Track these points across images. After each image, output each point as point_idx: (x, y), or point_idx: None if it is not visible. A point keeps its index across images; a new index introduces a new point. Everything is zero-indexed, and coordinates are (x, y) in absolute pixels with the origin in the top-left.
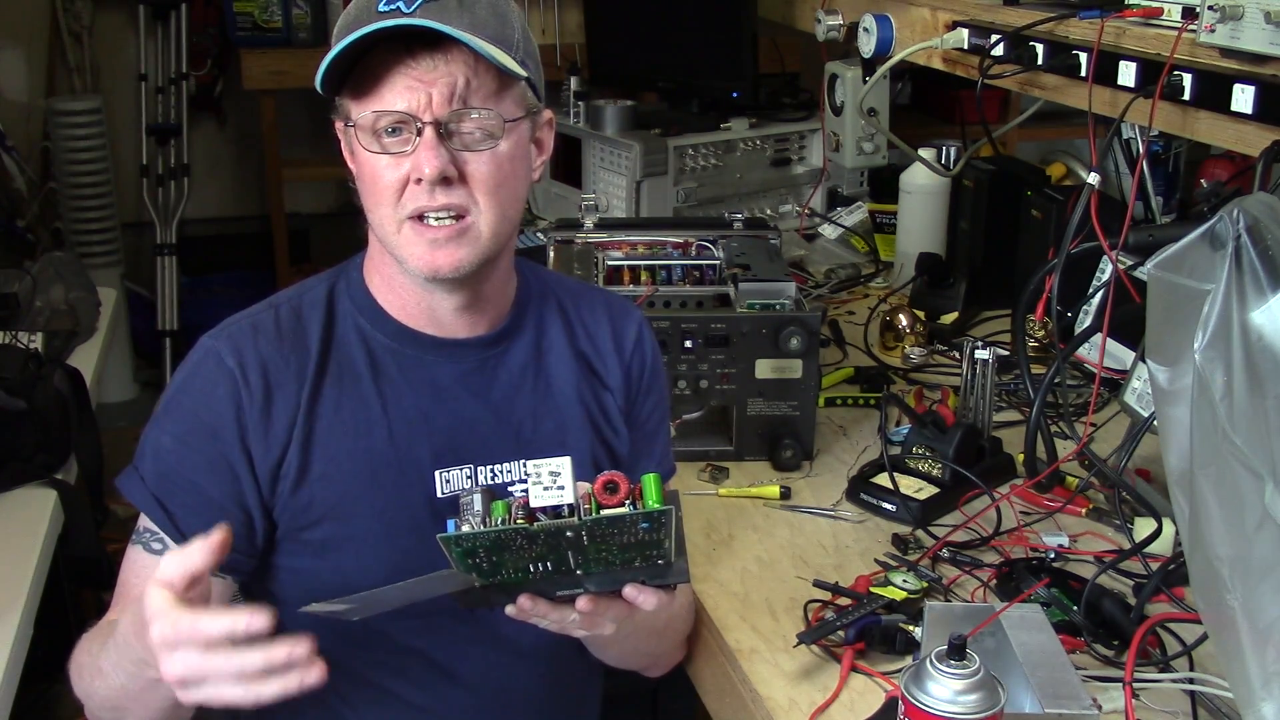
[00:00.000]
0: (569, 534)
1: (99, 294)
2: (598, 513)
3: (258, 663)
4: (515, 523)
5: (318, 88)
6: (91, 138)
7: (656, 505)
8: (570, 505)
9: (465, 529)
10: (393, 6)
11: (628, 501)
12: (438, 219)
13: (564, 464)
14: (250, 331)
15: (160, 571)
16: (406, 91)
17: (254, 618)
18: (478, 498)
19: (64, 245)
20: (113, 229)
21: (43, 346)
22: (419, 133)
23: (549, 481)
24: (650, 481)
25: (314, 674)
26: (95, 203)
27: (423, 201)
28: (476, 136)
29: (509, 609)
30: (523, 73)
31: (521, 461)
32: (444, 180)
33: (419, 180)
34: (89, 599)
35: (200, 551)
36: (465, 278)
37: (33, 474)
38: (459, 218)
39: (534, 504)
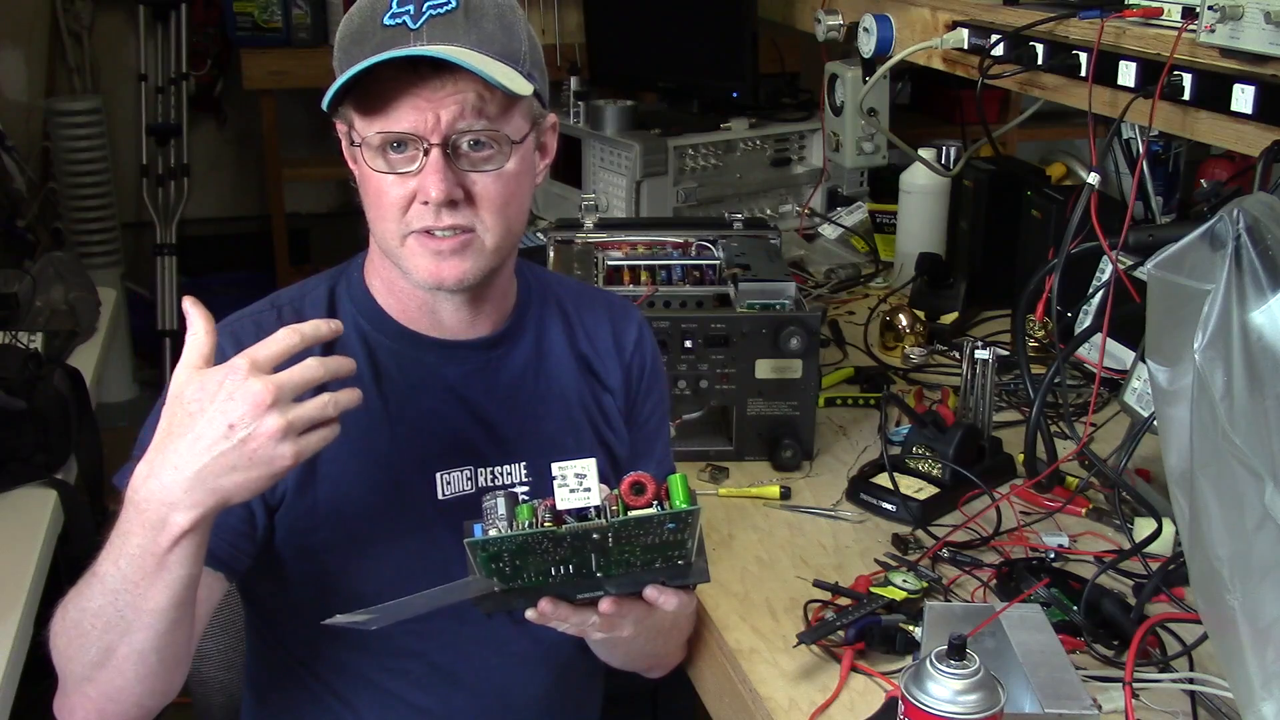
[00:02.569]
0: (595, 536)
1: (99, 294)
2: (625, 514)
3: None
4: (543, 526)
5: (323, 107)
6: (91, 138)
7: (684, 505)
8: (597, 507)
9: (493, 533)
10: (398, 22)
11: (655, 502)
12: (442, 233)
13: (589, 466)
14: (253, 329)
15: (190, 357)
16: (413, 111)
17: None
18: (501, 501)
19: (64, 245)
20: (113, 229)
21: (43, 346)
22: (425, 152)
23: (575, 484)
24: (677, 482)
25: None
26: (95, 203)
27: (429, 221)
28: (484, 156)
29: (529, 613)
30: (530, 89)
31: (522, 463)
32: (450, 202)
33: (425, 201)
34: None
35: (203, 331)
36: (466, 288)
37: (33, 474)
38: (465, 231)
39: (561, 506)
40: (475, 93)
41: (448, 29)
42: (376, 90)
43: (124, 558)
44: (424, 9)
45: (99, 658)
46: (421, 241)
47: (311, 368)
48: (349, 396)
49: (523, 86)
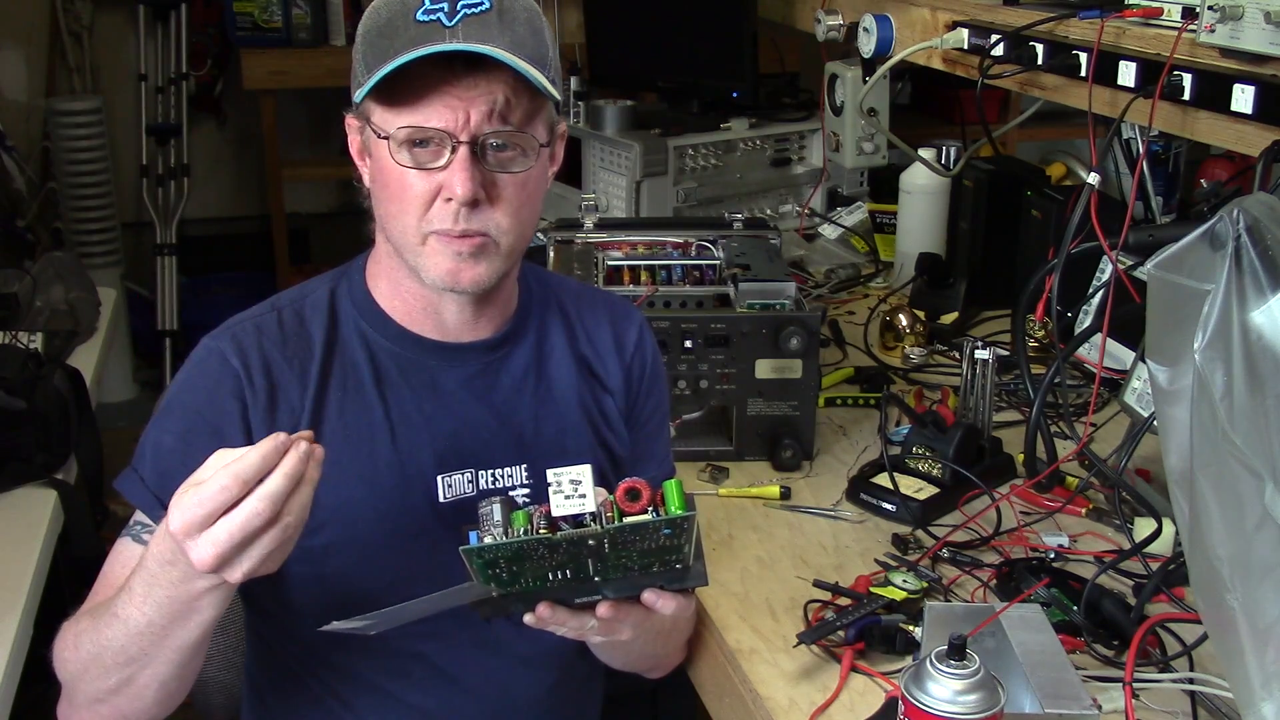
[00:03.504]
0: (591, 542)
1: (99, 294)
2: (620, 520)
3: (282, 484)
4: (538, 533)
5: (355, 100)
6: (91, 138)
7: (679, 511)
8: (592, 513)
9: (488, 540)
10: (433, 18)
11: (650, 508)
12: (461, 234)
13: (585, 472)
14: (254, 332)
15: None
16: (444, 109)
17: (275, 439)
18: (497, 508)
19: (64, 245)
20: (113, 229)
21: (43, 346)
22: (453, 149)
23: (570, 490)
24: (672, 487)
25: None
26: (95, 203)
27: (448, 224)
28: (509, 156)
29: (527, 617)
30: (556, 93)
31: (523, 466)
32: (473, 202)
33: (448, 199)
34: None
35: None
36: (481, 290)
37: (33, 474)
38: (480, 235)
39: (556, 513)
40: (504, 95)
41: (482, 29)
42: (406, 85)
43: (150, 604)
44: (459, 7)
45: (118, 686)
46: (442, 242)
47: (213, 496)
48: (276, 486)
49: (550, 89)
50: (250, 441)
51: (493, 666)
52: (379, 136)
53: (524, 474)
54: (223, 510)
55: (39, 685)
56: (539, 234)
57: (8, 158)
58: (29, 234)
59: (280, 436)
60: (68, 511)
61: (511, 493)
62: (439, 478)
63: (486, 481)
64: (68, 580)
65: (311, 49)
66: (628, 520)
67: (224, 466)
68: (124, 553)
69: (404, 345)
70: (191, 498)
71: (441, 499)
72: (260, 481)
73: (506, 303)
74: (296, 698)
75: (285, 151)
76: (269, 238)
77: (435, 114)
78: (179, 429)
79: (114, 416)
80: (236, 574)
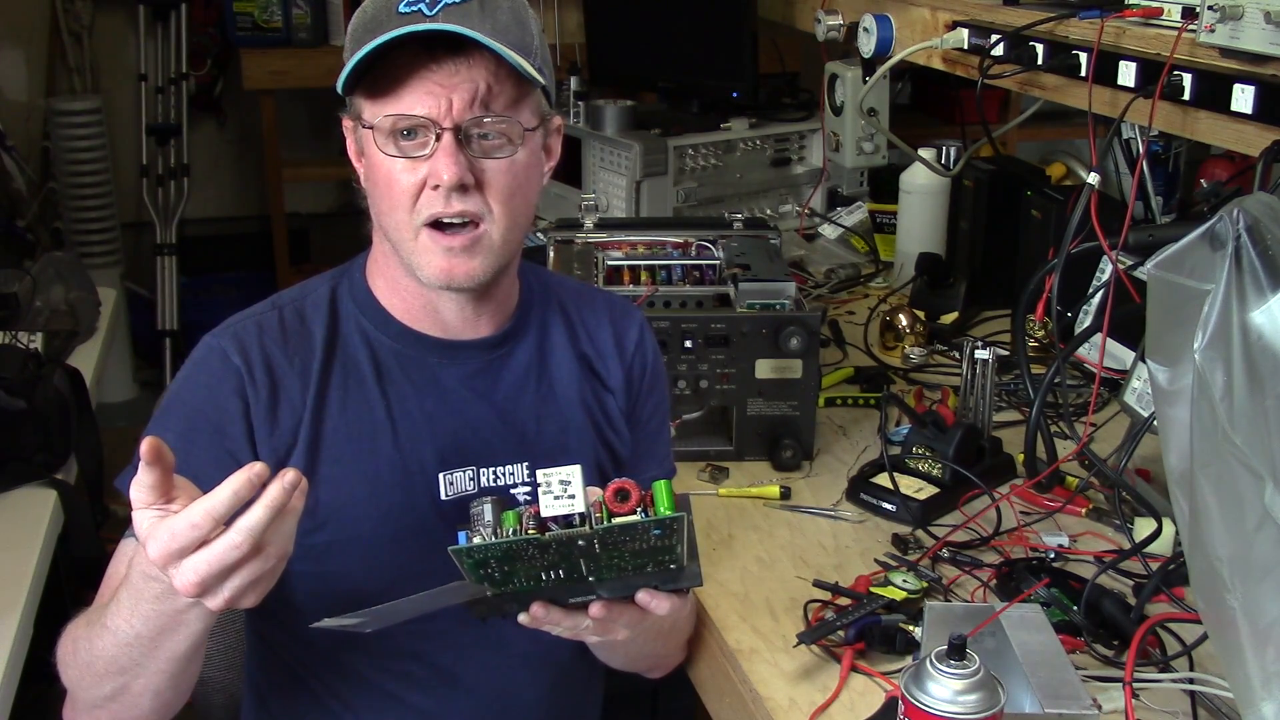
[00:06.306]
0: (581, 543)
1: (99, 294)
2: (609, 521)
3: (262, 516)
4: (527, 533)
5: (338, 89)
6: (91, 138)
7: (668, 512)
8: (581, 514)
9: (477, 540)
10: (414, 9)
11: (639, 509)
12: (452, 225)
13: (574, 472)
14: (255, 330)
15: (134, 496)
16: (426, 96)
17: (250, 471)
18: (488, 508)
19: (64, 245)
20: (113, 229)
21: (43, 346)
22: (438, 138)
23: (559, 490)
24: (661, 488)
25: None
26: (95, 203)
27: (438, 208)
28: (495, 143)
29: (521, 617)
30: (541, 80)
31: (524, 464)
32: (461, 187)
33: (435, 186)
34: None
35: (150, 459)
36: (476, 286)
37: (33, 474)
38: (474, 225)
39: (545, 514)
40: (486, 82)
41: (463, 17)
42: (390, 74)
43: (137, 617)
44: None
45: (113, 693)
46: (434, 238)
47: (184, 532)
48: (256, 518)
49: (534, 74)
50: (252, 440)
51: (493, 666)
52: (365, 128)
53: (525, 472)
54: (197, 544)
55: (39, 685)
56: (539, 234)
57: (8, 158)
58: (29, 234)
59: (256, 467)
60: (68, 511)
61: (513, 490)
62: (441, 475)
63: (488, 479)
64: (68, 580)
65: (311, 49)
66: (616, 521)
67: (197, 502)
68: (127, 553)
69: (405, 343)
70: (164, 530)
71: (443, 496)
72: (242, 511)
73: (506, 300)
74: (296, 697)
75: (285, 151)
76: (269, 238)
77: (418, 101)
78: (181, 427)
79: (114, 416)
80: (219, 601)
